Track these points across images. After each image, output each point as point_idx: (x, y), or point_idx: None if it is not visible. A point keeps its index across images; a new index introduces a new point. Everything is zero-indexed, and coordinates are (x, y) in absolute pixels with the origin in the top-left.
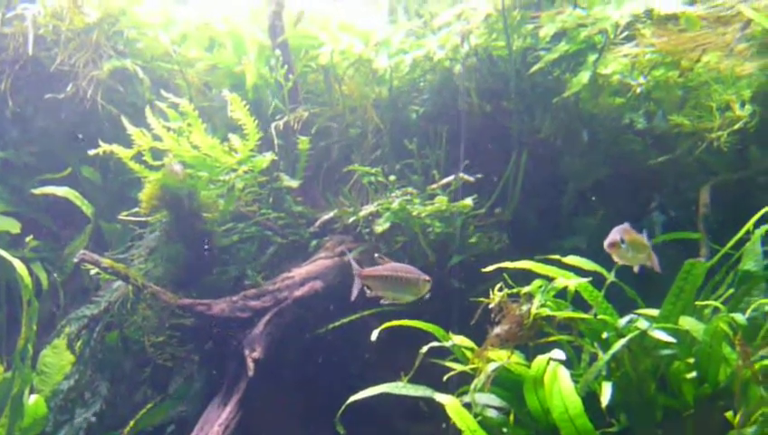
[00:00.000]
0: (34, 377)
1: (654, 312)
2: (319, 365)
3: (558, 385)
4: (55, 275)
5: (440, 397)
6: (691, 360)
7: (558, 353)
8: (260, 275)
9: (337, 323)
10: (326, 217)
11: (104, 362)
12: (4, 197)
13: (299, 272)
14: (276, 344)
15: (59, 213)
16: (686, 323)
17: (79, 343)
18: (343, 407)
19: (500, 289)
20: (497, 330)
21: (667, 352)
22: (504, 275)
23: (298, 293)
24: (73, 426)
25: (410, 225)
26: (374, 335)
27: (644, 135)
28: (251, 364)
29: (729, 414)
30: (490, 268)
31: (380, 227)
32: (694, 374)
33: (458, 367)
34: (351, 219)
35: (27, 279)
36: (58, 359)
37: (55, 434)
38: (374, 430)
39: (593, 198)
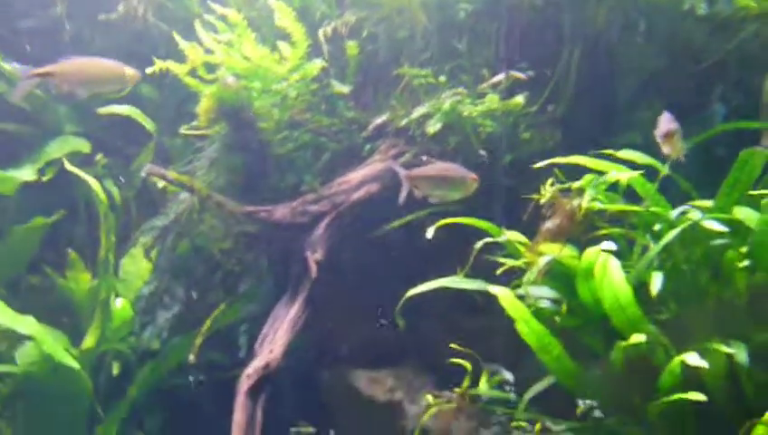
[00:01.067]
0: (118, 284)
1: (708, 203)
2: (377, 265)
3: (608, 275)
4: (125, 190)
5: (494, 289)
6: (744, 249)
7: (608, 244)
8: (317, 181)
9: (394, 224)
10: (378, 121)
11: (179, 269)
12: (74, 118)
13: (354, 176)
14: (336, 246)
15: (123, 131)
16: (741, 212)
17: (154, 252)
18: (402, 300)
19: (551, 184)
20: (548, 224)
21: (719, 241)
22: (556, 170)
23: (355, 196)
24: (156, 326)
25: (462, 125)
26: (429, 233)
27: (706, 22)
28: (313, 266)
29: None
30: (542, 164)
31: (432, 128)
32: (747, 263)
33: (511, 262)
34: (403, 122)
35: (102, 195)
36: (136, 267)
37: (141, 334)
38: (431, 323)
39: (650, 92)
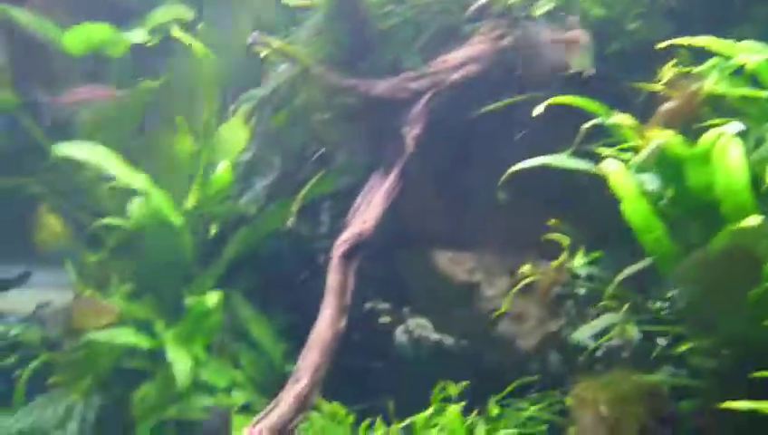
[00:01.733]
0: (216, 151)
1: None
2: (475, 145)
3: (727, 158)
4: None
5: (606, 164)
6: None
7: (735, 125)
8: (417, 59)
9: (492, 106)
10: (482, 1)
11: (276, 139)
12: None
13: (455, 56)
14: (434, 124)
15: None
16: None
17: (252, 121)
18: (505, 176)
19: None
20: (666, 106)
21: None
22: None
23: (455, 76)
24: (255, 191)
25: (570, 6)
26: (537, 110)
27: None
28: (410, 141)
29: None
30: (664, 44)
31: (540, 10)
32: None
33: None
34: (510, 2)
35: (207, 60)
36: (234, 135)
37: (239, 198)
38: (530, 203)
39: None
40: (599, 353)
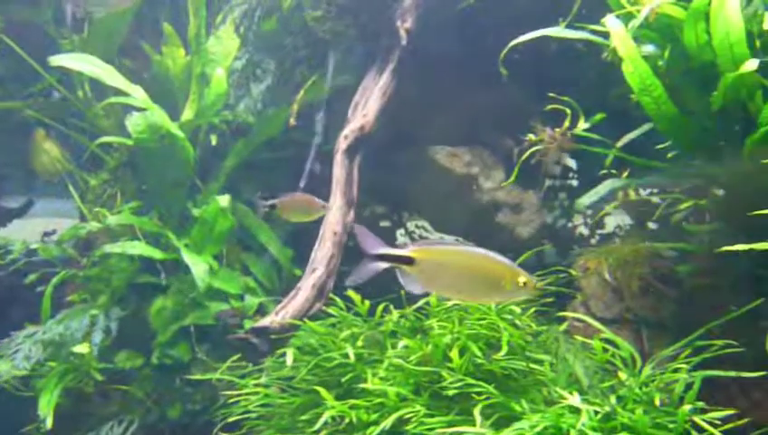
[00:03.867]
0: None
1: None
2: (467, 38)
3: (725, 7)
4: None
5: (609, 20)
6: None
7: None
8: None
9: None
10: None
11: (268, 43)
12: None
13: None
14: (425, 16)
15: None
16: None
17: (242, 29)
18: (506, 49)
19: None
20: None
21: None
22: None
23: None
24: (252, 97)
25: None
26: None
27: None
28: (403, 34)
29: None
30: None
31: None
32: None
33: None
34: None
35: None
36: (222, 46)
37: (237, 106)
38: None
39: None
40: (593, 241)
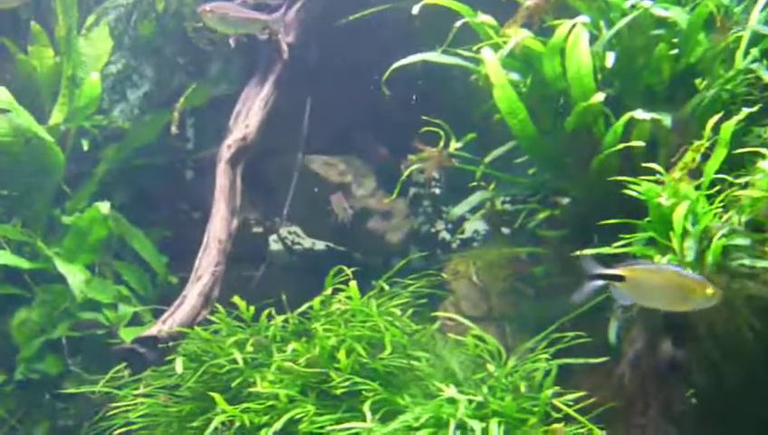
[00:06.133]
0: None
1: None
2: (344, 54)
3: (578, 46)
4: None
5: (485, 52)
6: (675, 39)
7: (583, 18)
8: None
9: (358, 15)
10: None
11: (145, 48)
12: None
13: None
14: (306, 31)
15: None
16: (674, 12)
17: (116, 32)
18: (390, 70)
19: None
20: (527, 3)
21: (657, 32)
22: None
23: None
24: (129, 103)
25: None
26: (415, 9)
27: None
28: (284, 48)
29: (698, 81)
30: None
31: None
32: (675, 51)
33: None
34: None
35: None
36: (93, 48)
37: (111, 111)
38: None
39: None
40: (454, 245)
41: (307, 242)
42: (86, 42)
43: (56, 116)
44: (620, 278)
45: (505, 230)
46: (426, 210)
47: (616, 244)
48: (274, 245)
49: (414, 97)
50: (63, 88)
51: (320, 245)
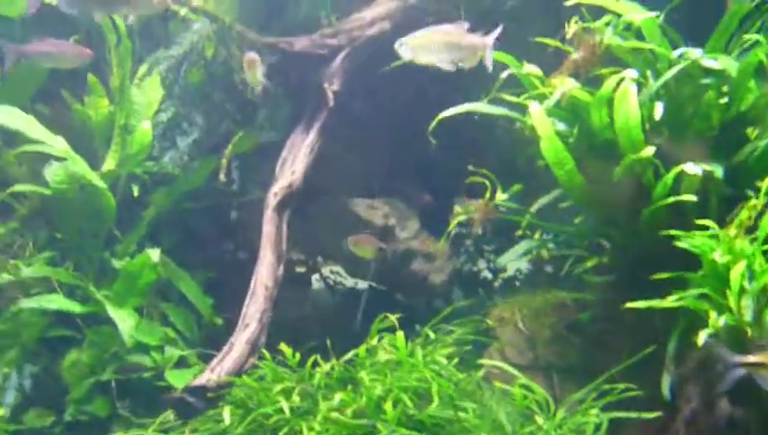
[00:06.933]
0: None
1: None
2: (386, 100)
3: (626, 99)
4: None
5: (531, 105)
6: (725, 88)
7: (631, 72)
8: (333, 16)
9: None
10: None
11: (195, 97)
12: None
13: (369, 13)
14: (351, 79)
15: None
16: (723, 61)
17: (168, 80)
18: (434, 122)
19: (576, 23)
20: (574, 56)
21: (705, 81)
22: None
23: (369, 32)
24: (179, 150)
25: None
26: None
27: None
28: (330, 95)
29: (750, 130)
30: (571, 2)
31: None
32: (724, 100)
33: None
34: None
35: (108, 25)
36: (145, 97)
37: (162, 157)
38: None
39: None
40: (496, 284)
41: (349, 282)
42: (138, 91)
43: (109, 163)
44: (762, 365)
45: (548, 269)
46: (468, 249)
47: (670, 298)
48: (316, 283)
49: (457, 144)
50: (116, 136)
51: (362, 284)
